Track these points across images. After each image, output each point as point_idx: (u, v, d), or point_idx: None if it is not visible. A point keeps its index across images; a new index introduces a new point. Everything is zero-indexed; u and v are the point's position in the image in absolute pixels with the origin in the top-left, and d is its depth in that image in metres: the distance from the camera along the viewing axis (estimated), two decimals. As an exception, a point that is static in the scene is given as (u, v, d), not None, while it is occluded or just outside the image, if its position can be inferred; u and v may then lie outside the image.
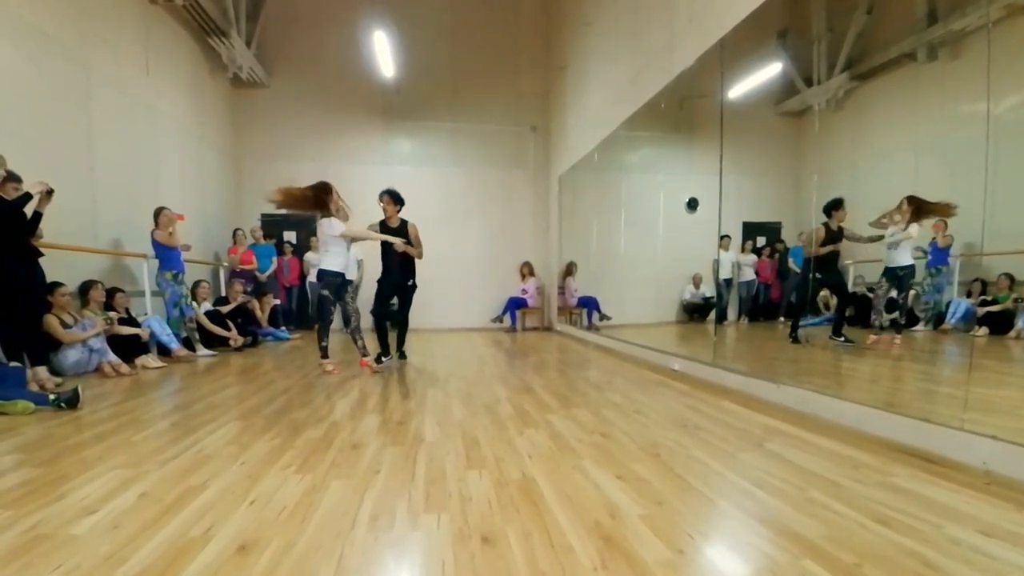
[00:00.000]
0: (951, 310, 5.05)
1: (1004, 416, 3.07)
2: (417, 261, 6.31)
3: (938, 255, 4.89)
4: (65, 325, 5.32)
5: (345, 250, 5.65)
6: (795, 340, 5.97)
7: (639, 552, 1.81)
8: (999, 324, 4.84)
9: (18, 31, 5.44)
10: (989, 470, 2.51)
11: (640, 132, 7.90)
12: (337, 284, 5.66)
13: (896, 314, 5.40)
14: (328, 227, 5.48)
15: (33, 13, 5.61)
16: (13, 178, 4.75)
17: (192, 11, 8.35)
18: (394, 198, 6.04)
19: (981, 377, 3.63)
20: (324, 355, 5.88)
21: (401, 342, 6.69)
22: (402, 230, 6.04)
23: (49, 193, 4.90)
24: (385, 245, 6.04)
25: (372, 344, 6.30)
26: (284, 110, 11.28)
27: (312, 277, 10.87)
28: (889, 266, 5.19)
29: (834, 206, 5.46)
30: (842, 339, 5.64)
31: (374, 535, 1.94)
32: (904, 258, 5.12)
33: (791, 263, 7.22)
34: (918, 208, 4.81)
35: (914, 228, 4.91)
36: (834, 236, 5.54)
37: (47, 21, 5.79)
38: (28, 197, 4.76)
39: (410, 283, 6.26)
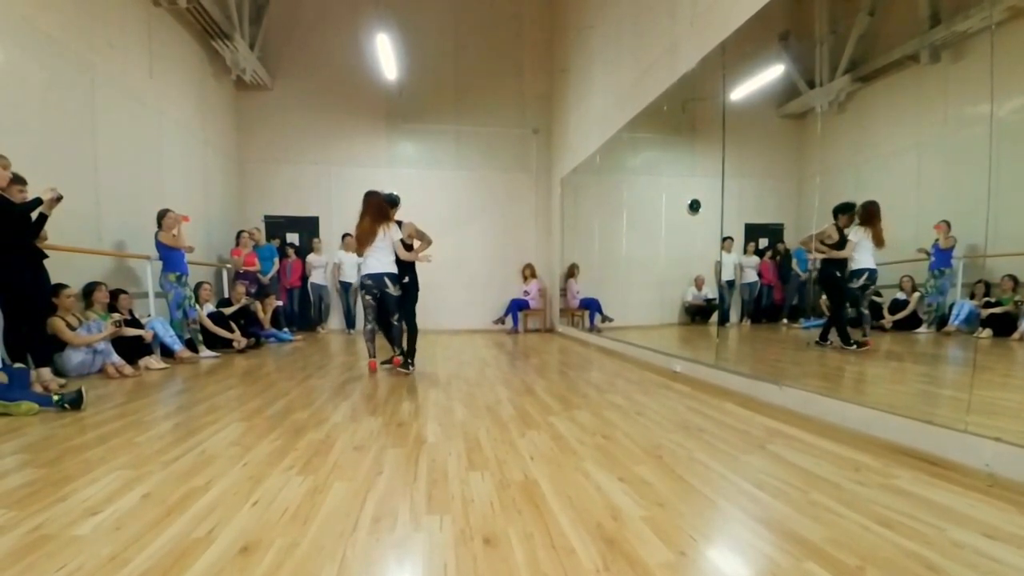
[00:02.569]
0: (954, 312, 5.05)
1: (1008, 418, 3.06)
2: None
3: (941, 257, 4.89)
4: (70, 327, 5.34)
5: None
6: (856, 344, 5.58)
7: (641, 554, 1.80)
8: (1003, 326, 4.84)
9: (24, 34, 5.46)
10: (992, 472, 2.51)
11: (642, 134, 7.90)
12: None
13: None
14: (395, 232, 5.74)
15: (39, 16, 5.64)
16: (18, 180, 4.76)
17: (195, 14, 8.38)
18: (392, 204, 5.98)
19: (984, 379, 3.63)
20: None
21: (406, 347, 6.40)
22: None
23: (58, 199, 4.91)
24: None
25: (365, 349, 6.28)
26: (287, 113, 11.32)
27: (315, 278, 10.91)
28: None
29: (843, 210, 5.44)
30: (828, 343, 5.65)
31: (376, 536, 1.94)
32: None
33: (795, 265, 7.21)
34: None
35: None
36: (843, 239, 5.53)
37: (53, 24, 5.82)
38: (38, 202, 4.77)
39: (406, 280, 6.06)
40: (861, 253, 5.19)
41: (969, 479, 2.48)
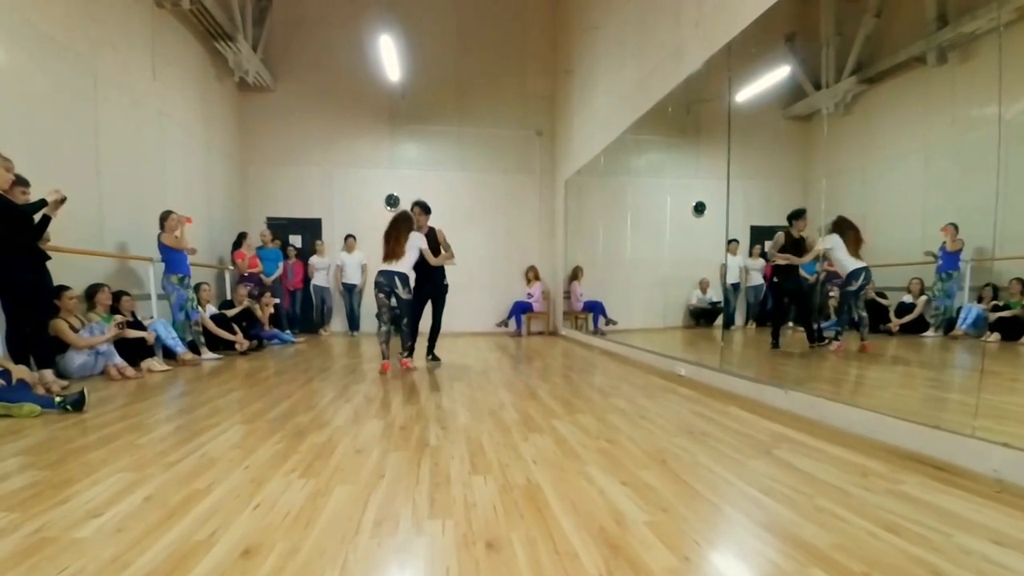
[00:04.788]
0: (962, 316, 5.01)
1: (1016, 423, 3.03)
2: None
3: (948, 260, 4.85)
4: (72, 329, 5.33)
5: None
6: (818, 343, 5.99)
7: (645, 559, 1.79)
8: (1011, 330, 4.79)
9: (27, 36, 5.46)
10: (1001, 478, 2.48)
11: (647, 136, 7.88)
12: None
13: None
14: (417, 239, 6.04)
15: (42, 18, 5.63)
16: (21, 182, 4.76)
17: (198, 16, 8.37)
18: (424, 209, 6.43)
19: (993, 384, 3.60)
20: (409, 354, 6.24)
21: (433, 344, 6.86)
22: (431, 237, 6.35)
23: (62, 201, 4.91)
24: (421, 258, 6.22)
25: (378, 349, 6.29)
26: (290, 114, 11.32)
27: (317, 280, 10.91)
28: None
29: (796, 216, 5.77)
30: (825, 342, 5.85)
31: (378, 540, 1.92)
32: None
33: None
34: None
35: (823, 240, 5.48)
36: (794, 244, 5.80)
37: (56, 26, 5.81)
38: (42, 204, 4.77)
39: (444, 283, 6.64)
40: (845, 257, 5.27)
41: (977, 485, 2.45)
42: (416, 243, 5.97)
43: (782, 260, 5.85)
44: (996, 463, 2.52)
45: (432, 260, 6.15)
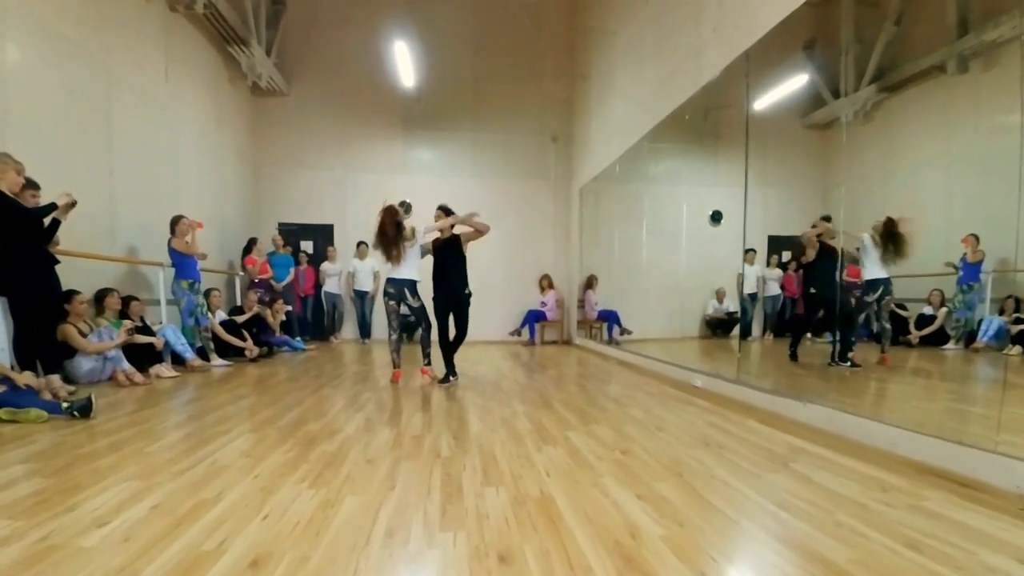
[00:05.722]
0: (983, 328, 4.93)
1: (1040, 438, 2.97)
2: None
3: (969, 271, 4.78)
4: (81, 334, 5.34)
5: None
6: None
7: (660, 574, 1.76)
8: (1034, 343, 4.71)
9: (41, 36, 5.48)
10: (1026, 495, 2.43)
11: (664, 143, 7.84)
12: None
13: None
14: (422, 236, 5.88)
15: (56, 18, 5.66)
16: (32, 185, 4.77)
17: (212, 19, 8.42)
18: (447, 214, 6.11)
19: (1015, 397, 3.52)
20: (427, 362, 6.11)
21: (449, 358, 6.29)
22: (454, 242, 6.01)
23: (72, 204, 4.93)
24: (437, 263, 6.02)
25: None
26: (303, 118, 11.36)
27: (329, 287, 10.90)
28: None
29: (826, 220, 5.58)
30: (848, 364, 5.53)
31: (389, 551, 1.90)
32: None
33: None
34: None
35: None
36: (827, 250, 5.63)
37: (70, 27, 5.84)
38: (52, 207, 4.78)
39: (466, 291, 6.09)
40: (868, 263, 5.14)
41: (1001, 501, 2.40)
42: (423, 238, 5.81)
43: (819, 230, 5.61)
44: (1020, 479, 2.47)
45: (456, 221, 5.89)
